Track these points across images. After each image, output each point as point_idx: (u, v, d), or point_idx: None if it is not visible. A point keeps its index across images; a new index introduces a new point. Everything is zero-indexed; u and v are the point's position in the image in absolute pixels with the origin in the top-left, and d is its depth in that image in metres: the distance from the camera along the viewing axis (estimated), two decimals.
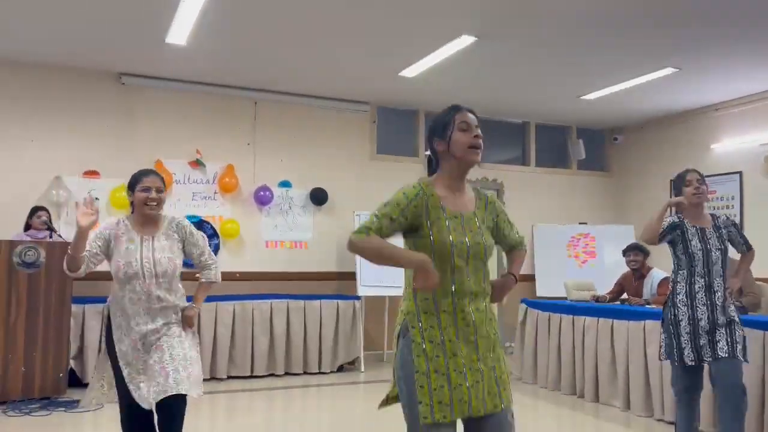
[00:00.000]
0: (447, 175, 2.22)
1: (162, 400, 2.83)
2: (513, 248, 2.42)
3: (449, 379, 2.05)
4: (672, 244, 3.69)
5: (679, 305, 3.59)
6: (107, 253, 2.99)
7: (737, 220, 7.30)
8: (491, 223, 2.28)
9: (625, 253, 5.87)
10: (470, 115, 2.21)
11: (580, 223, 8.49)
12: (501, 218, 2.33)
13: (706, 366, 3.59)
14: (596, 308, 5.57)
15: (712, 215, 3.75)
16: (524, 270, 8.49)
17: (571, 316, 5.74)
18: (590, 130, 8.98)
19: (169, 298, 2.99)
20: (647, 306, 5.33)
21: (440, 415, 2.02)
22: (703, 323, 3.51)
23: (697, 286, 3.56)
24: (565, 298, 6.36)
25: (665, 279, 5.49)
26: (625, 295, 5.91)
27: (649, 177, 8.40)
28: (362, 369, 6.85)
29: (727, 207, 7.46)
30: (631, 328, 5.05)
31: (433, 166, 2.29)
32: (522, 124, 8.65)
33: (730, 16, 5.01)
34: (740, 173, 7.38)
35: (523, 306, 6.49)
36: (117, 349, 2.95)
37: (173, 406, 2.89)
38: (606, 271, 7.92)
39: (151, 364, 2.90)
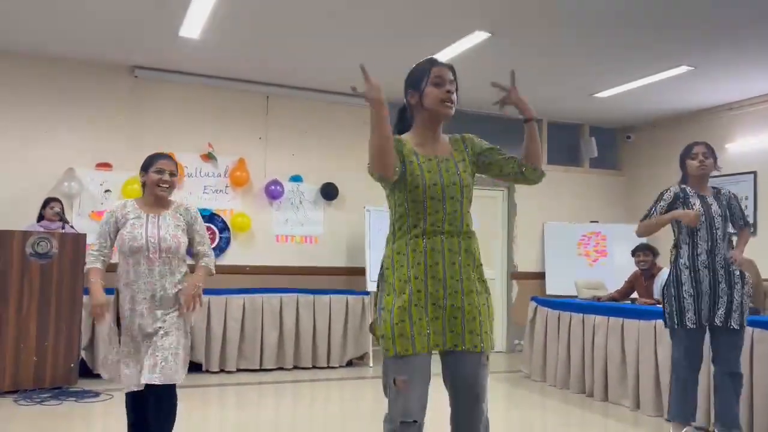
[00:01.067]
0: (420, 127, 2.28)
1: (151, 386, 2.92)
2: (520, 173, 2.34)
3: (410, 313, 2.11)
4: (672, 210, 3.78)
5: (681, 268, 3.69)
6: (117, 229, 3.08)
7: (751, 219, 7.24)
8: (474, 158, 2.32)
9: (634, 253, 5.84)
10: (445, 69, 2.24)
11: (591, 222, 8.45)
12: (488, 151, 2.34)
13: (706, 342, 3.68)
14: (606, 307, 5.55)
15: (715, 187, 3.83)
16: (534, 268, 8.56)
17: (581, 315, 5.71)
18: (603, 129, 8.93)
19: (170, 278, 3.03)
20: (658, 305, 5.30)
21: (401, 348, 2.09)
22: (704, 286, 3.61)
23: (699, 250, 3.66)
24: (575, 297, 6.34)
25: None
26: (635, 294, 5.88)
27: (661, 176, 8.33)
28: (371, 364, 6.86)
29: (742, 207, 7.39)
30: (642, 327, 5.03)
31: (406, 118, 2.32)
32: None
33: (746, 14, 4.96)
34: (755, 173, 7.31)
35: (533, 304, 6.47)
36: (122, 325, 3.03)
37: (162, 393, 2.98)
38: (616, 269, 7.88)
39: (144, 347, 2.98)
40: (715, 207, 3.72)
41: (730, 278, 3.64)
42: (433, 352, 2.16)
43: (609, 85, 6.94)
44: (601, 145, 8.65)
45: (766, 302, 5.18)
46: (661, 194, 3.82)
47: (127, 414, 3.15)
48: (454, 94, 2.23)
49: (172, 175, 3.08)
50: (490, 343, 2.21)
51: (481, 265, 2.27)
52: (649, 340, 4.93)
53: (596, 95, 7.30)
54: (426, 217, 2.16)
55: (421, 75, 2.23)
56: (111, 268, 3.11)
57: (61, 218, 5.70)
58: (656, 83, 6.72)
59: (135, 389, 2.98)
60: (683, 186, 3.80)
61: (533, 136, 2.37)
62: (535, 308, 6.39)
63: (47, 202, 5.78)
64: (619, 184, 8.99)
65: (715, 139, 7.72)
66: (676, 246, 3.76)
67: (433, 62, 2.24)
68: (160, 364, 2.91)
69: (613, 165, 9.09)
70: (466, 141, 2.35)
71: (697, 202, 3.70)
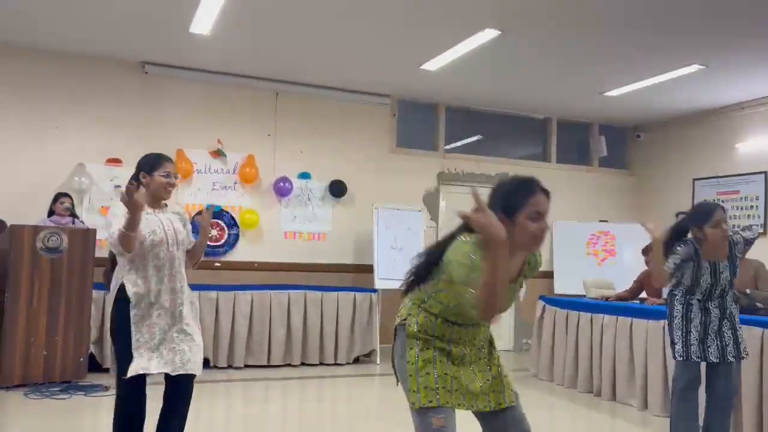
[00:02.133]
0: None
1: (176, 377, 2.95)
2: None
3: (444, 370, 2.12)
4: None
5: (692, 302, 3.61)
6: None
7: (761, 220, 7.19)
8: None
9: (644, 252, 5.81)
10: (545, 201, 2.02)
11: (600, 221, 8.42)
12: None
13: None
14: (615, 307, 5.53)
15: (729, 242, 3.57)
16: (543, 267, 8.46)
17: (589, 314, 5.70)
18: (612, 127, 8.89)
19: (183, 270, 3.10)
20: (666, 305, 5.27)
21: (426, 401, 2.08)
22: (712, 349, 3.54)
23: (693, 301, 3.60)
24: (584, 296, 6.32)
25: None
26: (644, 294, 5.85)
27: (671, 176, 8.30)
28: (378, 361, 6.87)
29: (751, 207, 7.35)
30: (651, 327, 5.01)
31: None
32: (544, 120, 8.58)
33: (759, 12, 4.92)
34: (765, 173, 7.26)
35: (541, 303, 6.46)
36: (145, 323, 2.94)
37: (186, 385, 3.03)
38: (625, 269, 7.84)
39: (174, 336, 2.99)
40: (726, 274, 3.55)
41: (734, 324, 3.58)
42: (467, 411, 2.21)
43: (619, 83, 6.90)
44: (610, 144, 8.61)
45: None
46: (675, 247, 3.57)
47: (129, 405, 3.04)
48: (547, 227, 2.04)
49: (176, 177, 3.14)
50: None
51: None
52: (658, 340, 4.91)
53: (606, 94, 7.27)
54: (463, 317, 2.14)
55: (519, 200, 1.99)
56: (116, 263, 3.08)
57: (72, 213, 5.74)
58: (667, 82, 6.67)
59: (142, 372, 2.90)
60: (698, 250, 3.53)
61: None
62: (543, 307, 6.37)
63: (57, 197, 5.82)
64: (629, 183, 8.94)
65: (726, 138, 7.70)
66: (671, 294, 3.70)
67: (532, 190, 2.00)
68: (187, 356, 2.96)
69: (622, 164, 9.05)
70: (536, 262, 2.22)
71: (707, 272, 3.52)
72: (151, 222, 2.99)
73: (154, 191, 3.04)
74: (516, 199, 1.99)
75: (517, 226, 1.98)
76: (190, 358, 2.99)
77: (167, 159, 3.10)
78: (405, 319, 2.20)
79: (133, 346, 2.92)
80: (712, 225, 3.46)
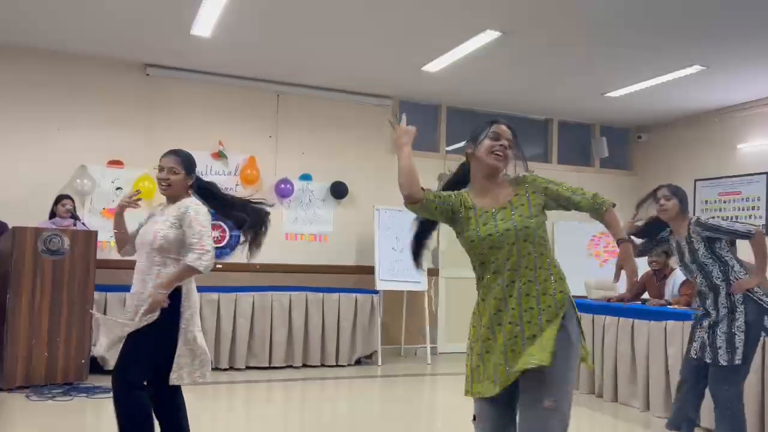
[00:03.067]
0: (476, 178, 2.40)
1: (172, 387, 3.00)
2: (595, 211, 2.44)
3: (482, 359, 2.25)
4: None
5: (698, 301, 3.77)
6: None
7: (762, 221, 7.19)
8: (540, 200, 2.35)
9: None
10: (505, 128, 2.36)
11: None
12: (550, 189, 2.37)
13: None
14: (617, 308, 5.52)
15: (688, 224, 3.62)
16: None
17: (591, 315, 5.69)
18: (614, 128, 8.88)
19: (149, 276, 2.98)
20: (668, 306, 5.27)
21: (475, 390, 2.27)
22: (705, 322, 3.64)
23: (699, 288, 3.70)
24: (585, 297, 6.31)
25: (687, 280, 5.42)
26: (646, 295, 5.84)
27: (673, 176, 8.27)
28: (379, 363, 6.86)
29: (753, 208, 7.34)
30: (652, 328, 5.00)
31: (466, 170, 2.45)
32: (545, 121, 8.58)
33: (759, 13, 4.91)
34: (766, 174, 7.25)
35: None
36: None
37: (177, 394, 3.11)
38: None
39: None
40: (687, 256, 3.64)
41: (731, 317, 3.53)
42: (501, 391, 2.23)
43: (620, 84, 6.90)
44: (612, 144, 8.61)
45: None
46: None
47: (148, 416, 3.00)
48: (509, 149, 2.34)
49: (172, 172, 3.00)
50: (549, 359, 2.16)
51: (552, 295, 2.27)
52: (659, 341, 4.90)
53: (607, 95, 7.27)
54: (489, 265, 2.26)
55: (481, 130, 2.37)
56: (118, 264, 3.16)
57: (73, 215, 5.75)
58: (668, 83, 6.67)
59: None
60: (670, 229, 3.75)
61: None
62: None
63: (59, 199, 5.83)
64: (631, 184, 8.93)
65: (727, 139, 7.70)
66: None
67: (494, 120, 2.39)
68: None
69: (624, 165, 9.04)
70: (531, 184, 2.37)
71: (686, 250, 3.65)
72: (148, 224, 3.09)
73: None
74: (480, 128, 2.37)
75: (478, 147, 2.33)
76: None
77: (166, 153, 3.09)
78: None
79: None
80: (656, 201, 3.71)
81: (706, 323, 3.62)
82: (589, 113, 8.28)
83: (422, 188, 2.26)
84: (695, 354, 3.66)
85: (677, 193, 3.66)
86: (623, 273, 2.40)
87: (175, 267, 2.97)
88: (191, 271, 2.95)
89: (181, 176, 3.04)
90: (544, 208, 2.36)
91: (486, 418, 2.27)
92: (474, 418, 2.29)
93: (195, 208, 3.03)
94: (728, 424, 3.52)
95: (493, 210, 2.30)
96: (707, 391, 3.67)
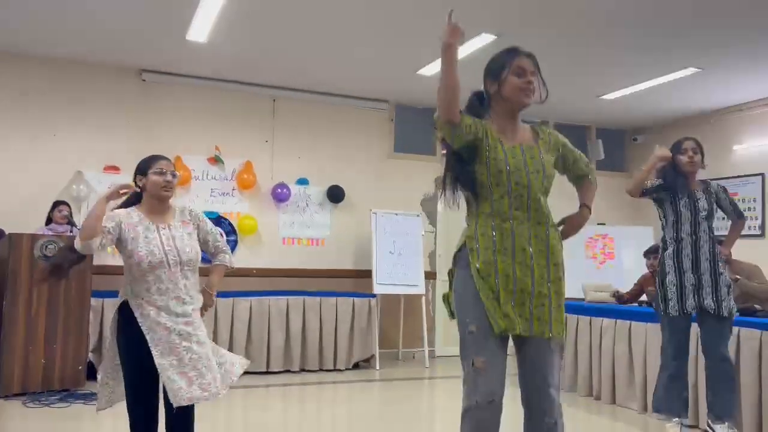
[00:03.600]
0: (499, 116, 2.29)
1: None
2: (580, 178, 2.44)
3: (498, 297, 2.14)
4: (659, 202, 3.92)
5: (666, 259, 3.81)
6: (119, 238, 2.79)
7: (759, 222, 7.21)
8: (556, 152, 2.34)
9: (646, 255, 5.82)
10: (527, 59, 2.26)
11: (598, 224, 8.42)
12: (566, 147, 2.38)
13: (693, 332, 3.81)
14: (614, 309, 5.53)
15: (704, 181, 3.93)
16: None
17: (588, 318, 5.70)
18: (609, 131, 8.91)
19: (193, 288, 2.90)
20: None
21: (504, 325, 2.15)
22: (688, 275, 3.72)
23: (683, 243, 3.76)
24: (583, 299, 6.31)
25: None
26: (644, 297, 5.85)
27: None
28: (377, 367, 6.86)
29: (749, 209, 7.36)
30: (650, 330, 5.00)
31: (483, 104, 2.33)
32: (541, 124, 8.59)
33: (753, 14, 4.94)
34: (762, 175, 7.28)
35: None
36: (149, 338, 2.75)
37: (189, 410, 2.90)
38: (624, 272, 7.84)
39: (188, 360, 2.79)
40: (702, 203, 3.81)
41: (715, 269, 3.73)
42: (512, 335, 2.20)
43: (616, 87, 6.92)
44: (608, 146, 8.62)
45: None
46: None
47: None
48: (534, 84, 2.25)
49: (173, 175, 2.90)
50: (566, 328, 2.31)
51: (561, 251, 2.31)
52: (657, 343, 4.89)
53: (603, 97, 7.29)
54: (512, 201, 2.17)
55: (503, 64, 2.25)
56: (116, 270, 3.04)
57: (70, 221, 5.74)
58: (663, 85, 6.70)
59: (185, 403, 2.77)
60: (665, 179, 3.91)
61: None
62: None
63: (56, 206, 5.82)
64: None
65: (723, 141, 7.72)
66: (663, 240, 3.89)
67: (515, 52, 2.27)
68: (197, 379, 2.79)
69: (620, 167, 9.06)
70: (553, 136, 2.38)
71: (685, 197, 3.80)
72: (151, 241, 2.79)
73: (152, 192, 2.86)
74: (501, 61, 2.27)
75: (503, 85, 2.24)
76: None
77: (161, 157, 2.94)
78: (464, 242, 2.28)
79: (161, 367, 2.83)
80: (681, 152, 3.87)
81: (689, 273, 3.73)
82: (584, 115, 8.30)
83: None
84: (692, 309, 3.73)
85: (702, 149, 3.91)
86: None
87: (197, 279, 2.95)
88: (228, 270, 3.12)
89: (177, 180, 2.98)
90: (556, 158, 2.37)
91: (498, 362, 2.15)
92: (473, 364, 2.15)
93: (195, 210, 3.04)
94: (731, 386, 3.64)
95: (522, 146, 2.23)
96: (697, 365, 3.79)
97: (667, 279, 3.77)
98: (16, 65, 6.32)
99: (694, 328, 3.98)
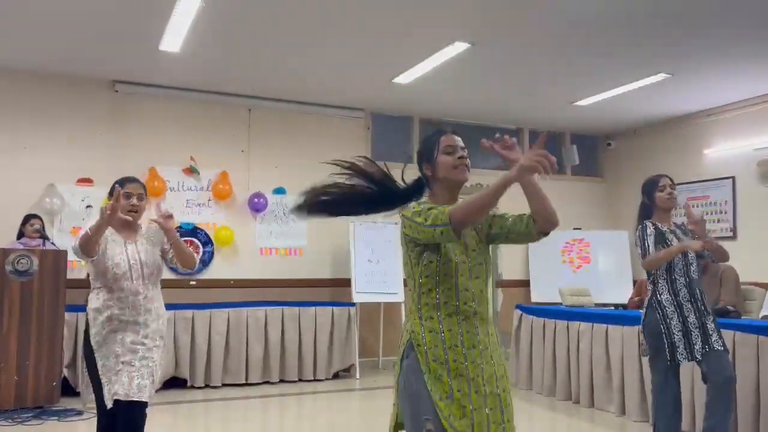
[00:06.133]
0: (440, 197, 2.22)
1: (123, 403, 2.87)
2: (526, 222, 2.21)
3: (452, 398, 2.02)
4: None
5: (665, 304, 3.59)
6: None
7: (730, 225, 7.33)
8: (487, 228, 2.23)
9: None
10: (455, 137, 2.24)
11: (574, 229, 8.50)
12: (494, 218, 2.26)
13: (683, 366, 3.63)
14: (591, 314, 5.58)
15: (674, 222, 3.81)
16: (518, 276, 8.58)
17: (565, 322, 5.74)
18: (584, 136, 9.01)
19: (154, 301, 3.06)
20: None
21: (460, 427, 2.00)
22: (692, 319, 3.55)
23: (678, 284, 3.60)
24: (560, 304, 6.37)
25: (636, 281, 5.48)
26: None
27: (642, 182, 8.41)
28: (357, 376, 6.83)
29: (721, 212, 7.48)
30: (626, 333, 5.06)
31: (421, 188, 2.31)
32: (515, 130, 8.67)
33: (721, 21, 5.03)
34: (733, 178, 7.40)
35: (518, 312, 6.49)
36: (100, 350, 2.93)
37: (135, 411, 2.93)
38: (600, 276, 7.93)
39: (125, 362, 2.92)
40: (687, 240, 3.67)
41: (707, 309, 3.61)
42: None
43: (588, 93, 7.01)
44: (582, 152, 8.72)
45: (746, 305, 5.24)
46: (644, 230, 3.68)
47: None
48: (467, 159, 2.21)
49: (140, 199, 3.04)
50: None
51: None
52: (633, 346, 4.96)
53: (576, 103, 7.37)
54: (458, 294, 2.10)
55: (432, 146, 2.23)
56: (90, 284, 3.06)
57: (42, 235, 5.64)
58: (634, 91, 6.79)
59: (109, 405, 2.89)
60: (654, 223, 3.70)
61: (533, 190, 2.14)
62: (521, 316, 6.41)
63: (27, 219, 5.72)
64: (601, 190, 9.07)
65: (694, 144, 7.85)
66: (654, 282, 3.67)
67: (441, 132, 2.26)
68: (136, 382, 2.89)
69: (594, 172, 9.17)
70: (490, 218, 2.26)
71: (674, 239, 3.64)
72: (118, 254, 2.98)
73: (121, 214, 2.98)
74: (430, 144, 2.24)
75: (436, 165, 2.20)
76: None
77: (132, 180, 3.07)
78: (409, 339, 2.14)
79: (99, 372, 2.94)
80: (659, 189, 3.73)
81: (692, 317, 3.55)
82: (559, 122, 8.39)
83: (438, 214, 2.01)
84: (698, 356, 3.52)
85: (675, 185, 3.80)
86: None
87: (159, 291, 3.13)
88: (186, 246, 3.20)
89: (145, 203, 3.11)
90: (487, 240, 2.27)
91: None
92: None
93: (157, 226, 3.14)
94: (730, 407, 3.56)
95: (463, 235, 2.11)
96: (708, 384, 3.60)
97: (672, 326, 3.54)
98: None
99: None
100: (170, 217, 3.05)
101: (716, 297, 4.82)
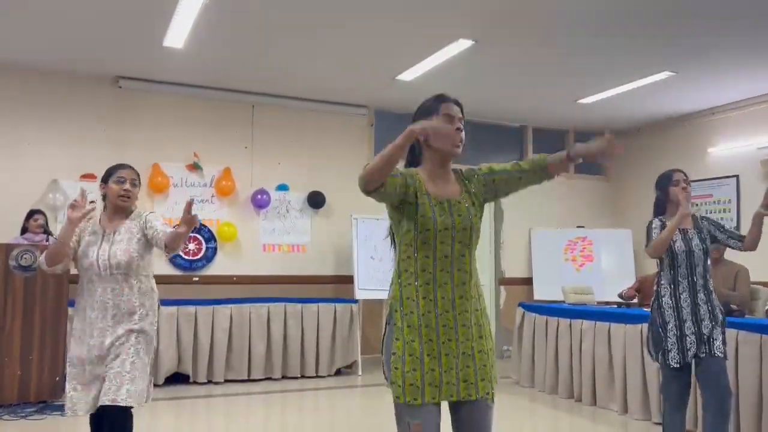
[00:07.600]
0: (429, 164, 2.22)
1: (106, 408, 2.80)
2: (540, 168, 2.26)
3: (422, 363, 2.07)
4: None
5: (665, 307, 3.56)
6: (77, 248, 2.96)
7: (734, 224, 7.31)
8: (481, 189, 2.23)
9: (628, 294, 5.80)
10: (454, 107, 2.21)
11: (577, 227, 8.50)
12: (490, 174, 2.25)
13: (692, 367, 3.57)
14: (593, 312, 5.57)
15: (693, 216, 3.71)
16: (521, 273, 8.58)
17: (568, 320, 5.73)
18: (588, 134, 8.98)
19: (126, 293, 2.90)
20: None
21: (411, 398, 2.06)
22: (688, 324, 3.50)
23: (681, 287, 3.55)
24: (563, 302, 6.36)
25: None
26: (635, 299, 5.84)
27: (646, 181, 8.36)
28: (359, 373, 6.84)
29: (724, 210, 7.47)
30: (629, 331, 5.05)
31: (415, 153, 2.28)
32: (519, 128, 8.66)
33: (727, 19, 5.02)
34: (737, 177, 7.39)
35: (521, 310, 6.49)
36: (71, 351, 2.94)
37: (117, 417, 2.87)
38: (603, 275, 7.92)
39: (99, 368, 2.88)
40: (696, 241, 3.59)
41: (713, 314, 3.53)
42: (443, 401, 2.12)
43: (593, 91, 6.99)
44: None
45: (753, 305, 5.22)
46: (650, 226, 3.67)
47: None
48: (463, 131, 2.19)
49: (132, 185, 2.99)
50: (495, 383, 2.19)
51: (485, 307, 2.24)
52: (636, 344, 4.96)
53: (580, 101, 7.36)
54: (436, 262, 2.11)
55: (430, 112, 2.19)
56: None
57: (45, 230, 5.66)
58: (639, 89, 6.78)
59: (81, 414, 2.87)
60: (662, 219, 3.67)
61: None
62: (523, 314, 6.40)
63: (31, 215, 5.74)
64: (605, 189, 9.05)
65: (698, 143, 7.83)
66: (658, 283, 3.65)
67: (441, 99, 2.22)
68: (113, 386, 2.79)
69: (598, 170, 9.15)
70: (468, 177, 2.26)
71: (678, 238, 3.58)
72: (90, 246, 2.93)
73: (112, 201, 2.99)
74: (427, 109, 2.21)
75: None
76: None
77: (123, 166, 3.05)
78: (390, 305, 2.17)
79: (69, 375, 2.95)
80: (673, 183, 3.66)
81: (689, 322, 3.50)
82: (562, 119, 8.37)
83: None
84: (690, 360, 3.48)
85: (689, 181, 3.71)
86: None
87: (145, 281, 2.97)
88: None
89: (138, 189, 3.07)
90: (484, 202, 2.27)
91: (434, 425, 2.07)
92: (410, 426, 2.05)
93: (148, 214, 3.06)
94: (727, 415, 3.51)
95: (449, 202, 2.15)
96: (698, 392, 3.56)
97: (668, 329, 3.52)
98: None
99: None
100: (195, 217, 2.83)
101: (727, 296, 4.77)
